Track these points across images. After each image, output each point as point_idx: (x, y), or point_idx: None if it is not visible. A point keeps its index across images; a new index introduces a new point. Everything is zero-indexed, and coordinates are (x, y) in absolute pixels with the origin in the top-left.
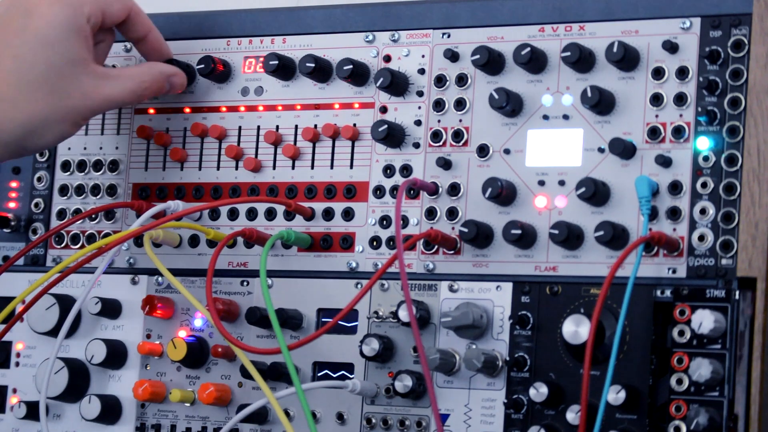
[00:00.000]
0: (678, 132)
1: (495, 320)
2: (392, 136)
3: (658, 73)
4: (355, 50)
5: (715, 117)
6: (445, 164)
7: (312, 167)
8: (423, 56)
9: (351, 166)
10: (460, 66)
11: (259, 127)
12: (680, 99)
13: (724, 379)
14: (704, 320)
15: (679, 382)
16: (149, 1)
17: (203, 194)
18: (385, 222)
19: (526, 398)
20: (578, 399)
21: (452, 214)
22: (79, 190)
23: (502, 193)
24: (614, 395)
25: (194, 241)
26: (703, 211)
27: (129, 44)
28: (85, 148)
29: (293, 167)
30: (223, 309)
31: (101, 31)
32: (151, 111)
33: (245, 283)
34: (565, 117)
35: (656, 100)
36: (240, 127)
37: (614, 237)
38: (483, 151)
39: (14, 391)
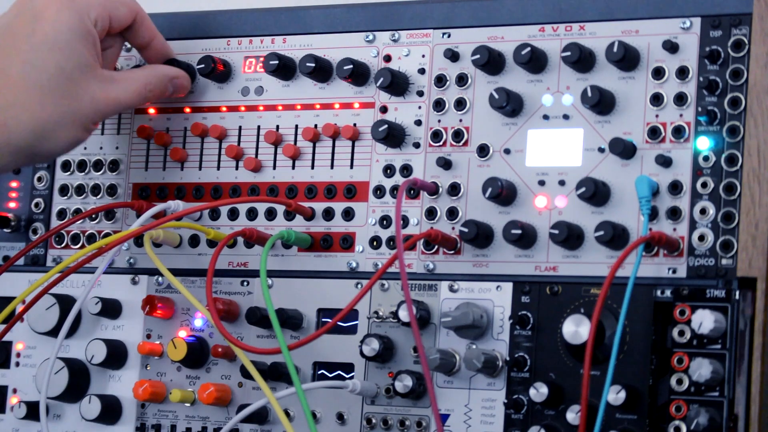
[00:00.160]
0: (678, 132)
1: (495, 320)
2: (392, 136)
3: (658, 73)
4: (355, 50)
5: (715, 117)
6: (445, 164)
7: (312, 167)
8: (423, 56)
9: (351, 166)
10: (460, 66)
11: (259, 127)
12: (680, 99)
13: (724, 379)
14: (704, 320)
15: (679, 382)
16: (149, 1)
17: (203, 194)
18: (385, 222)
19: (526, 398)
20: (578, 399)
21: (452, 214)
22: (80, 190)
23: (502, 193)
24: (614, 395)
25: (194, 241)
26: (703, 211)
27: (129, 44)
28: (85, 148)
29: (293, 167)
30: (223, 309)
31: (109, 36)
32: (151, 111)
33: (245, 283)
34: (566, 117)
35: (656, 100)
36: (240, 127)
37: (614, 237)
38: (483, 151)
39: (14, 391)
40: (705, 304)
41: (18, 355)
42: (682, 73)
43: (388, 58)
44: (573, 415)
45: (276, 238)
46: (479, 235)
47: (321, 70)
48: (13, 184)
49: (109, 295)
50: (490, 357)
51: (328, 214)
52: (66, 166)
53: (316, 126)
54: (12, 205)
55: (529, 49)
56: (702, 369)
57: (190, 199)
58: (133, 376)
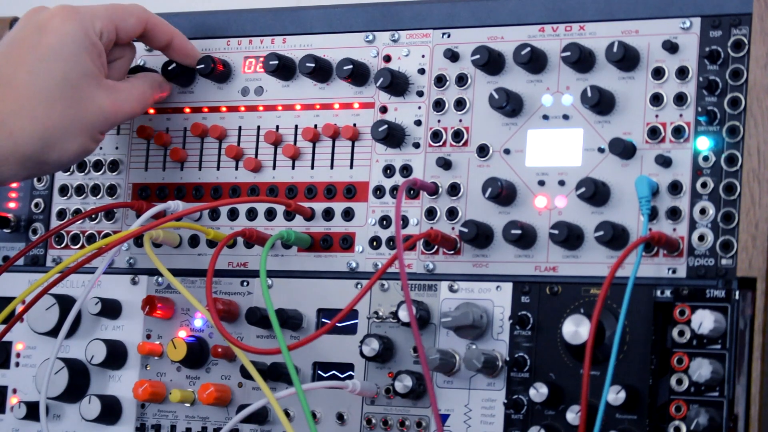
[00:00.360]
0: (678, 132)
1: (495, 320)
2: (392, 136)
3: (658, 73)
4: (355, 50)
5: (715, 117)
6: (445, 164)
7: (312, 167)
8: (423, 56)
9: (351, 166)
10: (460, 66)
11: (259, 127)
12: (680, 99)
13: (724, 379)
14: (704, 320)
15: (679, 382)
16: (150, 1)
17: (203, 194)
18: (385, 222)
19: (526, 398)
20: (578, 399)
21: (452, 214)
22: (79, 190)
23: (502, 193)
24: (614, 395)
25: (194, 241)
26: (703, 211)
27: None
28: None
29: (293, 167)
30: (223, 309)
31: (118, 47)
32: (151, 111)
33: (245, 283)
34: (565, 117)
35: (656, 100)
36: (240, 127)
37: (614, 237)
38: (483, 151)
39: (14, 391)
40: (705, 304)
41: (18, 355)
42: (682, 73)
43: (387, 59)
44: (573, 415)
45: (276, 238)
46: (479, 235)
47: (321, 70)
48: (13, 185)
49: (109, 295)
50: (490, 357)
51: (328, 215)
52: None
53: (315, 126)
54: (12, 205)
55: (529, 49)
56: (702, 369)
57: (190, 199)
58: (133, 377)
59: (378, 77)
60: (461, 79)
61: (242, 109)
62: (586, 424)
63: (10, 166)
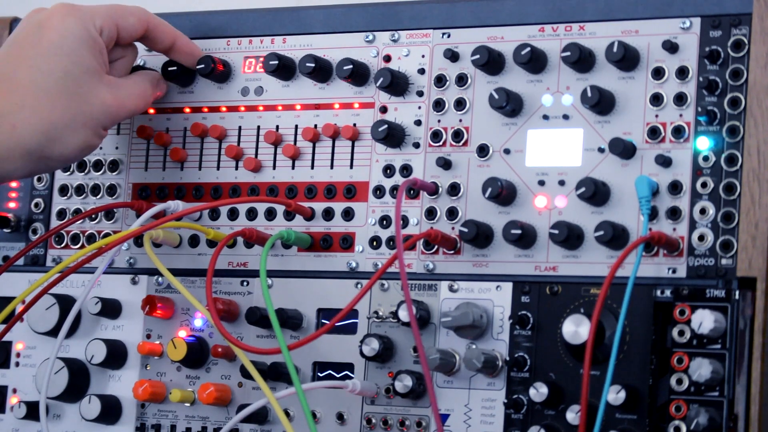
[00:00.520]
0: (678, 132)
1: (495, 320)
2: (392, 136)
3: (658, 73)
4: (355, 50)
5: (715, 117)
6: (445, 164)
7: (312, 167)
8: (423, 56)
9: (351, 166)
10: (460, 66)
11: (259, 127)
12: (680, 99)
13: (724, 379)
14: (704, 320)
15: (679, 382)
16: (150, 2)
17: (203, 194)
18: (385, 222)
19: (526, 398)
20: (578, 399)
21: (452, 214)
22: (79, 190)
23: (502, 193)
24: (614, 395)
25: (194, 241)
26: (703, 211)
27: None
28: None
29: (293, 167)
30: (223, 309)
31: (119, 47)
32: (151, 111)
33: (245, 283)
34: (565, 117)
35: (656, 100)
36: (240, 127)
37: (614, 237)
38: (483, 151)
39: (14, 391)
40: (705, 304)
41: (18, 355)
42: (682, 73)
43: (387, 58)
44: (573, 415)
45: (276, 238)
46: (479, 235)
47: (321, 70)
48: (13, 184)
49: (109, 295)
50: (490, 357)
51: (328, 214)
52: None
53: (315, 126)
54: (12, 205)
55: (528, 49)
56: (702, 369)
57: (190, 199)
58: (133, 376)
59: (378, 77)
60: (461, 79)
61: (242, 109)
62: (586, 424)
63: (13, 161)
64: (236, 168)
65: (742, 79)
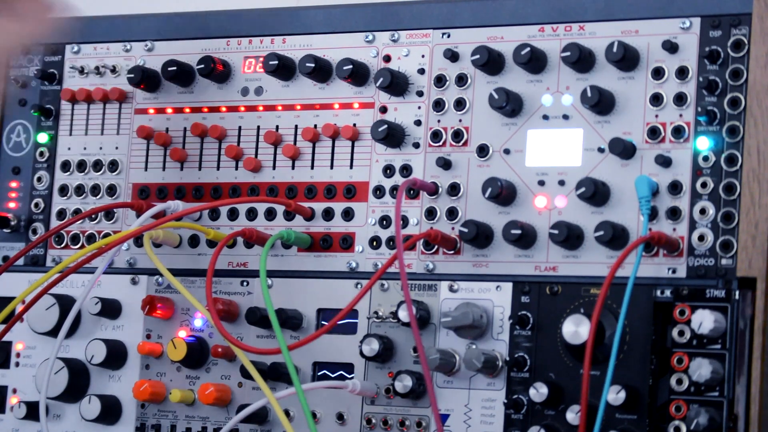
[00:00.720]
0: (678, 132)
1: (495, 320)
2: (392, 136)
3: (658, 73)
4: (355, 50)
5: (715, 117)
6: (445, 164)
7: (312, 167)
8: (423, 56)
9: (351, 166)
10: (460, 66)
11: (259, 127)
12: (680, 99)
13: (724, 379)
14: (704, 320)
15: (679, 382)
16: (150, 2)
17: (203, 194)
18: (385, 222)
19: (526, 398)
20: (578, 399)
21: (452, 214)
22: (79, 190)
23: (502, 193)
24: (614, 395)
25: (194, 241)
26: (703, 211)
27: (129, 44)
28: (85, 148)
29: (293, 167)
30: (223, 309)
31: None
32: (151, 111)
33: (245, 283)
34: (565, 117)
35: (656, 100)
36: (240, 127)
37: (614, 237)
38: (483, 151)
39: (14, 391)
40: (705, 304)
41: (18, 355)
42: (682, 73)
43: (387, 59)
44: (573, 415)
45: (276, 238)
46: (479, 235)
47: (321, 70)
48: (13, 184)
49: (109, 295)
50: (490, 357)
51: (328, 214)
52: (66, 166)
53: (315, 126)
54: (12, 205)
55: (528, 49)
56: (702, 369)
57: (190, 199)
58: (133, 376)
59: (378, 77)
60: (461, 79)
61: (242, 109)
62: (586, 424)
63: None
64: (236, 168)
65: (742, 79)
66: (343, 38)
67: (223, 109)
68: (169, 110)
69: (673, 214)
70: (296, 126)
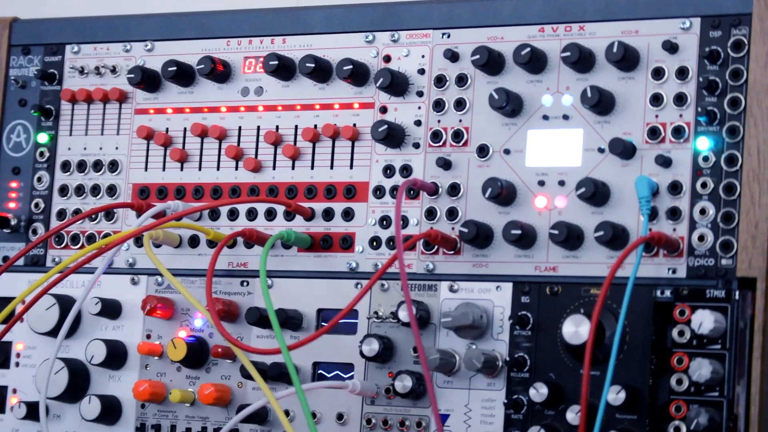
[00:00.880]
0: (678, 132)
1: (495, 320)
2: (392, 136)
3: (658, 73)
4: (355, 50)
5: (715, 117)
6: (445, 164)
7: (312, 167)
8: (423, 56)
9: (351, 167)
10: (460, 66)
11: (259, 127)
12: (680, 99)
13: (724, 379)
14: (704, 320)
15: (679, 382)
16: (150, 2)
17: (203, 194)
18: (385, 222)
19: (526, 398)
20: (578, 399)
21: (452, 214)
22: (79, 190)
23: (502, 193)
24: (614, 395)
25: (194, 241)
26: (703, 211)
27: (129, 44)
28: (85, 148)
29: (293, 167)
30: (223, 309)
31: None
32: (151, 111)
33: (245, 283)
34: (565, 117)
35: (656, 100)
36: (240, 127)
37: (614, 237)
38: (483, 151)
39: (14, 391)
40: (705, 304)
41: (18, 355)
42: (682, 73)
43: (387, 59)
44: (573, 415)
45: (276, 238)
46: (479, 236)
47: (321, 71)
48: (13, 185)
49: (109, 295)
50: (490, 357)
51: (328, 215)
52: (66, 166)
53: (315, 126)
54: (12, 205)
55: (528, 49)
56: (702, 369)
57: (190, 199)
58: (133, 377)
59: (378, 77)
60: (461, 79)
61: (242, 109)
62: (586, 424)
63: None
64: (236, 168)
65: (742, 80)
66: (343, 38)
67: (223, 109)
68: (169, 110)
69: (673, 214)
70: (296, 126)
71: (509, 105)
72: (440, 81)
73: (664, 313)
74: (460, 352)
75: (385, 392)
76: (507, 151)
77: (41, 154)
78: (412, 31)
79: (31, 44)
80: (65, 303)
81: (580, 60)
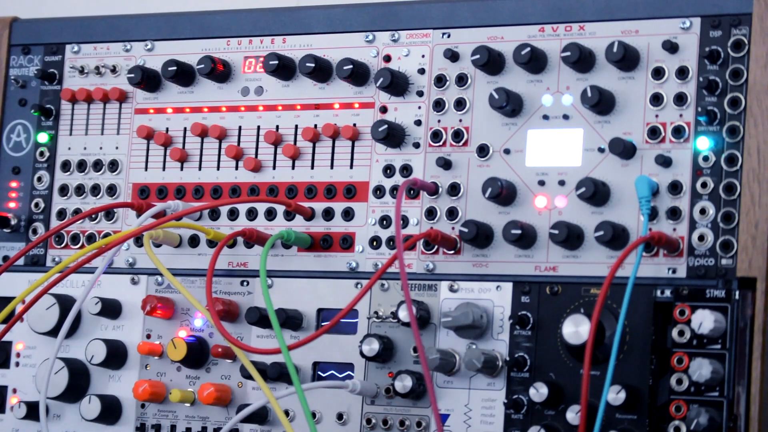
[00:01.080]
0: (678, 132)
1: (495, 320)
2: (392, 136)
3: (658, 73)
4: (355, 50)
5: (715, 117)
6: (445, 164)
7: (312, 167)
8: (423, 56)
9: (351, 166)
10: (460, 66)
11: (259, 127)
12: (680, 99)
13: (724, 379)
14: (704, 320)
15: (679, 382)
16: (150, 2)
17: (203, 194)
18: (385, 222)
19: (526, 398)
20: (578, 399)
21: (452, 214)
22: (79, 190)
23: (502, 193)
24: (614, 395)
25: (194, 241)
26: (703, 211)
27: (129, 44)
28: (85, 148)
29: (293, 167)
30: (223, 309)
31: None
32: (151, 111)
33: (245, 283)
34: (565, 117)
35: (656, 100)
36: (240, 127)
37: (614, 237)
38: (483, 151)
39: (14, 391)
40: (705, 304)
41: (18, 355)
42: (682, 73)
43: (387, 58)
44: (573, 415)
45: (276, 238)
46: (479, 235)
47: (321, 70)
48: (13, 185)
49: (109, 295)
50: (490, 357)
51: (328, 214)
52: (66, 166)
53: (315, 126)
54: (12, 205)
55: (528, 49)
56: (702, 369)
57: (190, 199)
58: (133, 376)
59: (378, 77)
60: (461, 79)
61: (242, 109)
62: (586, 424)
63: None
64: (236, 168)
65: (742, 79)
66: (343, 38)
67: (224, 109)
68: (169, 110)
69: (673, 214)
70: (296, 126)
71: (509, 105)
72: (440, 81)
73: (664, 313)
74: (460, 352)
75: (385, 392)
76: (507, 151)
77: (41, 153)
78: (412, 30)
79: (31, 44)
80: (65, 303)
81: (580, 60)
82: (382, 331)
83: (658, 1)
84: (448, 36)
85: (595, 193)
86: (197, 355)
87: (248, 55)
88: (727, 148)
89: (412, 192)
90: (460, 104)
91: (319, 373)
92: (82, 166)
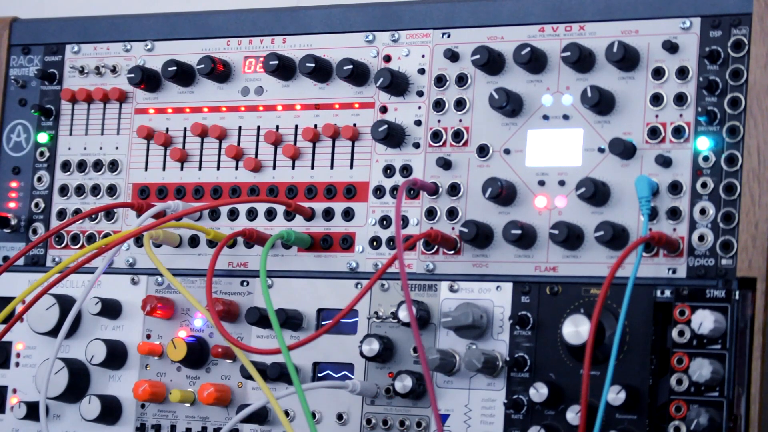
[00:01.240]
0: (678, 132)
1: (495, 320)
2: (392, 136)
3: (658, 73)
4: (355, 50)
5: (715, 117)
6: (445, 164)
7: (312, 167)
8: (423, 56)
9: (351, 166)
10: (460, 66)
11: (259, 127)
12: (680, 99)
13: (724, 379)
14: (704, 320)
15: (679, 382)
16: (150, 2)
17: (203, 194)
18: (385, 222)
19: (526, 398)
20: (578, 399)
21: (452, 214)
22: (79, 190)
23: (502, 193)
24: (614, 395)
25: (194, 241)
26: (703, 211)
27: (129, 44)
28: (85, 148)
29: (293, 167)
30: (223, 309)
31: None
32: (151, 111)
33: (245, 283)
34: (565, 117)
35: (656, 100)
36: (240, 127)
37: (614, 237)
38: (483, 151)
39: (14, 391)
40: (705, 304)
41: (18, 355)
42: (682, 73)
43: (387, 58)
44: (573, 415)
45: (276, 238)
46: (479, 235)
47: (321, 70)
48: (13, 185)
49: (109, 295)
50: (490, 357)
51: (328, 215)
52: (66, 166)
53: (315, 126)
54: (12, 205)
55: (528, 49)
56: (702, 369)
57: (190, 199)
58: (133, 377)
59: (378, 77)
60: (461, 79)
61: (242, 109)
62: (586, 424)
63: None
64: (236, 168)
65: (742, 79)
66: (343, 38)
67: (224, 109)
68: (169, 110)
69: (673, 214)
70: (296, 126)
71: (509, 105)
72: (440, 81)
73: (664, 313)
74: (460, 352)
75: (385, 392)
76: (507, 151)
77: (41, 153)
78: (412, 31)
79: (31, 44)
80: (65, 303)
81: (580, 60)
82: (382, 331)
83: (658, 1)
84: (448, 36)
85: (595, 193)
86: (197, 355)
87: (248, 55)
88: (727, 148)
89: (412, 192)
90: (460, 104)
91: (328, 372)
92: (82, 166)
